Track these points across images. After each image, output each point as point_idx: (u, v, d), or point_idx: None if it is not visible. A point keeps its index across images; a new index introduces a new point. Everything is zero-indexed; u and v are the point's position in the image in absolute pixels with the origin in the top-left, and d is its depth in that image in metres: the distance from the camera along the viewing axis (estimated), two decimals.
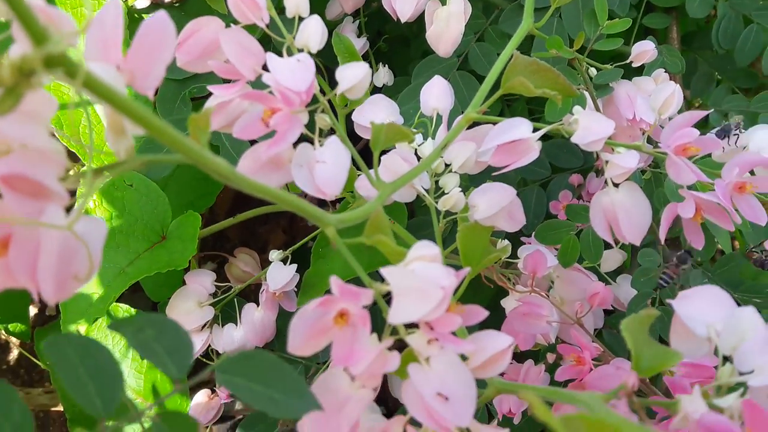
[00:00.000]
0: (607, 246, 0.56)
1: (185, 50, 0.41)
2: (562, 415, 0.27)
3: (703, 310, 0.34)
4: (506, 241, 0.52)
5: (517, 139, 0.41)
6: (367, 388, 0.34)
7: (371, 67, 0.70)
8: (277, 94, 0.38)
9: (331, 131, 0.42)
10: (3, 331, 0.75)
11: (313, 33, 0.41)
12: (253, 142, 0.40)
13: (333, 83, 0.42)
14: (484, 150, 0.43)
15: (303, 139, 0.40)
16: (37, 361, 0.73)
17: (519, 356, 0.57)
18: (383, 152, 0.46)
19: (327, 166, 0.38)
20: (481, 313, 0.35)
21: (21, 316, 0.74)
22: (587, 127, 0.41)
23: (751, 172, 0.42)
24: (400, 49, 0.78)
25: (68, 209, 0.28)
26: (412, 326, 0.34)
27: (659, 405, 0.35)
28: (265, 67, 0.39)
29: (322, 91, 0.42)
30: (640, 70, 0.56)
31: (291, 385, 0.29)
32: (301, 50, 0.42)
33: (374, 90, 0.66)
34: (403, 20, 0.56)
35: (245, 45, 0.40)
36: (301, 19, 0.43)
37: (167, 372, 0.28)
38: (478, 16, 0.63)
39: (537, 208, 0.63)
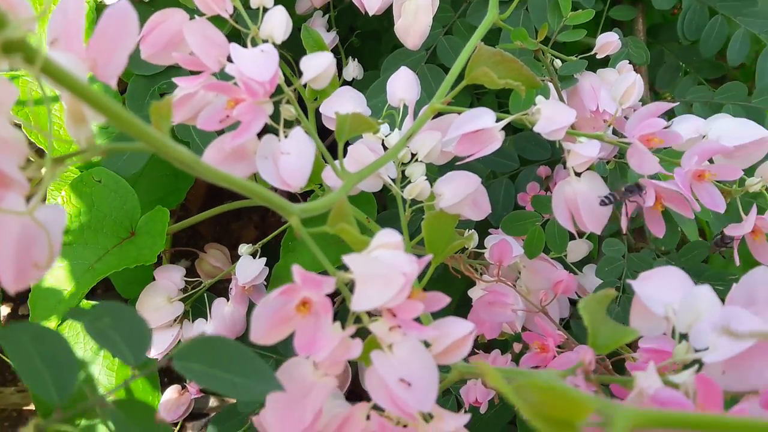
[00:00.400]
0: (574, 237, 0.56)
1: (149, 42, 0.41)
2: (515, 383, 0.27)
3: (662, 290, 0.34)
4: (472, 231, 0.52)
5: (481, 128, 0.42)
6: (330, 376, 0.34)
7: (341, 61, 0.70)
8: (241, 85, 0.38)
9: (298, 123, 0.42)
10: None
11: (277, 24, 0.42)
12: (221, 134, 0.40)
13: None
14: (449, 139, 0.43)
15: (269, 130, 0.40)
16: (6, 358, 0.73)
17: (487, 346, 0.57)
18: (349, 143, 0.46)
19: (291, 158, 0.38)
20: (443, 300, 0.35)
21: None
22: (549, 116, 0.41)
23: (711, 161, 0.43)
24: (371, 44, 0.78)
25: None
26: (376, 315, 0.34)
27: (616, 382, 0.35)
28: (230, 59, 0.39)
29: (289, 83, 0.42)
30: (606, 62, 0.56)
31: (252, 369, 0.29)
32: (266, 41, 0.42)
33: (344, 84, 0.66)
34: (371, 13, 0.56)
35: (209, 36, 0.40)
36: (265, 10, 0.43)
37: (124, 359, 0.28)
38: (446, 9, 0.63)
39: (506, 201, 0.63)
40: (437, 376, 0.33)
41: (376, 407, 0.34)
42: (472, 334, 0.35)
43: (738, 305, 0.33)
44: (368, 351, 0.33)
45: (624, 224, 0.42)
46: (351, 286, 0.33)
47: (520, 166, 0.65)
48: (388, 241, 0.34)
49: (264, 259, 0.57)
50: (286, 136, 0.40)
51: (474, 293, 0.53)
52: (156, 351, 0.59)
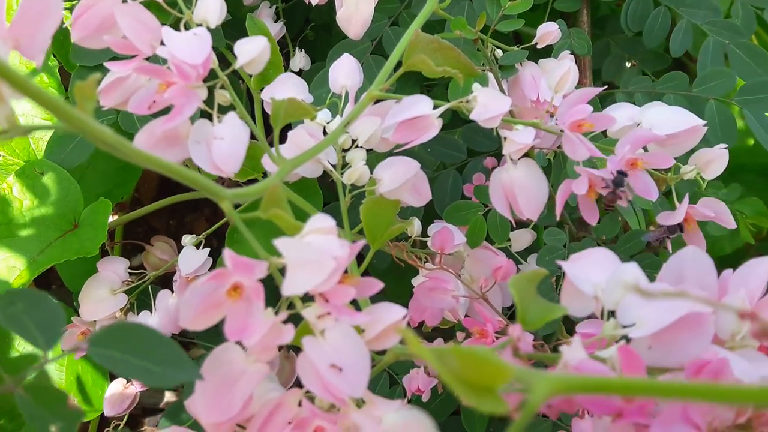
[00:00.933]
0: (522, 226, 0.57)
1: (81, 25, 0.40)
2: (435, 348, 0.28)
3: (591, 270, 0.35)
4: (413, 217, 0.52)
5: (418, 115, 0.42)
6: (261, 362, 0.34)
7: (289, 52, 0.70)
8: (173, 68, 0.38)
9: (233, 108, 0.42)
10: None
11: (211, 8, 0.41)
12: None
13: None
14: (387, 126, 0.43)
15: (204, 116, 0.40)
16: None
17: (430, 336, 0.57)
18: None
19: (224, 143, 0.38)
20: (376, 285, 0.35)
21: None
22: (485, 104, 0.42)
23: (646, 149, 0.44)
24: (324, 37, 0.78)
25: None
26: (310, 300, 0.34)
27: (545, 359, 0.36)
28: (163, 42, 0.39)
29: (239, 76, 0.41)
30: (550, 53, 0.57)
31: (169, 356, 0.29)
32: (200, 25, 0.42)
33: None
34: (314, 3, 0.56)
35: (142, 20, 0.40)
36: None
37: (36, 344, 0.28)
38: (393, 0, 0.63)
39: (453, 192, 0.63)
40: (369, 362, 0.33)
41: (308, 393, 0.34)
42: (405, 320, 0.36)
43: (668, 283, 0.34)
44: (302, 336, 0.33)
45: (558, 211, 0.42)
46: (285, 271, 0.33)
47: (468, 158, 0.65)
48: (320, 225, 0.34)
49: (207, 250, 0.56)
50: (219, 121, 0.39)
51: (417, 281, 0.53)
52: None
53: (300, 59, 0.67)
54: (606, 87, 0.52)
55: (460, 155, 0.65)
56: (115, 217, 0.74)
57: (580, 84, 0.62)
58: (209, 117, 0.40)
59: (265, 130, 0.62)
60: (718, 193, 0.66)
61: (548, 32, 0.51)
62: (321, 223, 0.34)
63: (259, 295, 0.33)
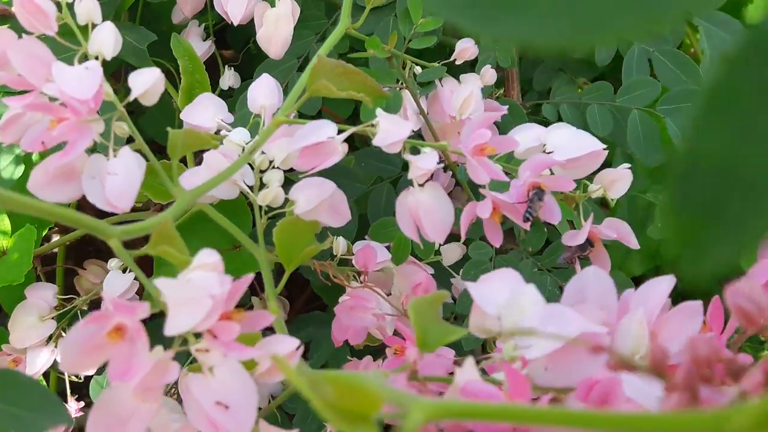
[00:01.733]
0: (454, 239, 0.57)
1: None
2: (308, 376, 0.28)
3: (497, 291, 0.35)
4: (340, 238, 0.52)
5: (321, 141, 0.42)
6: (150, 402, 0.34)
7: (218, 70, 0.70)
8: (65, 103, 0.37)
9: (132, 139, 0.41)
10: None
11: (105, 40, 0.41)
12: None
13: None
14: (291, 152, 0.43)
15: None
16: None
17: (361, 353, 0.57)
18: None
19: (118, 178, 0.38)
20: (267, 318, 0.35)
21: None
22: (386, 129, 0.41)
23: (552, 171, 0.44)
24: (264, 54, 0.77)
25: None
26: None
27: (439, 381, 0.36)
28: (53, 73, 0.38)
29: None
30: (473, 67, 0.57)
31: (40, 402, 0.29)
32: (96, 58, 0.41)
33: (221, 93, 0.65)
34: (235, 23, 0.55)
35: (36, 55, 0.39)
36: (94, 25, 0.42)
37: None
38: (319, 17, 0.63)
39: (387, 206, 0.63)
40: (256, 398, 0.33)
41: None
42: (299, 351, 0.35)
43: (571, 303, 0.34)
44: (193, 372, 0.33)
45: (463, 233, 0.42)
46: None
47: (402, 171, 0.65)
48: (206, 261, 0.34)
49: (132, 275, 0.56)
50: (115, 156, 0.39)
51: (342, 299, 0.53)
52: (32, 370, 0.57)
53: (229, 77, 0.66)
54: (504, 109, 0.52)
55: (394, 168, 0.65)
56: (57, 238, 0.73)
57: (507, 95, 0.62)
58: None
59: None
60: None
61: (465, 48, 0.51)
62: (206, 259, 0.34)
63: (141, 335, 0.32)
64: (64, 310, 0.59)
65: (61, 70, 0.38)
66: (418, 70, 0.53)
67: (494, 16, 0.15)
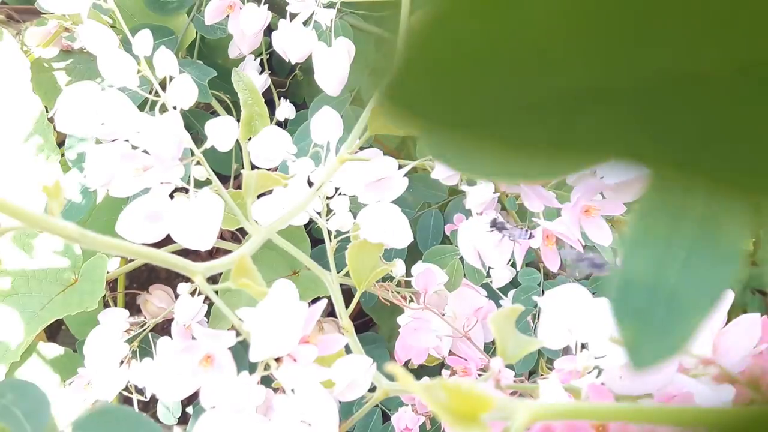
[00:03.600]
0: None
1: (65, 114, 0.43)
2: (424, 383, 0.30)
3: (565, 304, 0.38)
4: (397, 259, 0.54)
5: (383, 177, 0.45)
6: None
7: (274, 101, 0.73)
8: (150, 153, 0.41)
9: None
10: None
11: (183, 91, 0.44)
12: None
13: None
14: (356, 187, 0.46)
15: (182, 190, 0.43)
16: None
17: (418, 373, 0.60)
18: None
19: (199, 219, 0.41)
20: (340, 341, 0.38)
21: None
22: None
23: (603, 195, 0.46)
24: (312, 80, 0.81)
25: None
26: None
27: (523, 389, 0.38)
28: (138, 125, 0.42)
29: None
30: None
31: None
32: (174, 108, 0.45)
33: (278, 124, 0.69)
34: (293, 61, 0.59)
35: (121, 106, 0.43)
36: (171, 78, 0.45)
37: None
38: (369, 51, 0.66)
39: (435, 231, 0.66)
40: (336, 415, 0.36)
41: None
42: (372, 369, 0.38)
43: None
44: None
45: (519, 261, 0.45)
46: None
47: (450, 197, 0.68)
48: (282, 292, 0.37)
49: (202, 298, 0.59)
50: (195, 196, 0.42)
51: (402, 320, 0.56)
52: (106, 393, 0.61)
53: (285, 109, 0.69)
54: None
55: (441, 195, 0.67)
56: (118, 265, 0.77)
57: None
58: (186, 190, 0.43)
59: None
60: None
61: None
62: (283, 289, 0.37)
63: (229, 362, 0.35)
64: (135, 333, 0.63)
65: (145, 121, 0.41)
66: None
67: (462, 159, 0.18)
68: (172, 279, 0.77)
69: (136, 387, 0.64)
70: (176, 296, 0.66)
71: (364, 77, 0.65)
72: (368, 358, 0.38)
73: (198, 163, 0.44)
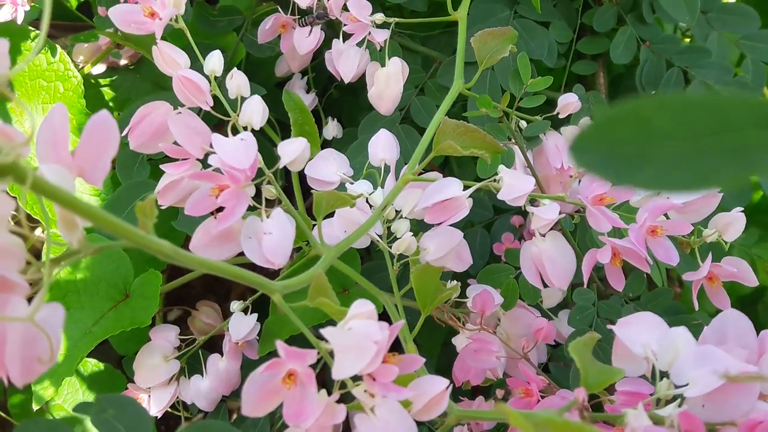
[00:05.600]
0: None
1: (137, 134, 0.44)
2: (533, 419, 0.31)
3: (640, 333, 0.38)
4: (455, 282, 0.55)
5: (449, 198, 0.45)
6: None
7: (320, 120, 0.74)
8: (224, 172, 0.41)
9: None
10: None
11: (254, 111, 0.45)
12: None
13: (285, 135, 0.45)
14: (420, 208, 0.46)
15: (251, 209, 0.43)
16: (8, 418, 0.75)
17: (470, 393, 0.60)
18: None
19: (273, 237, 0.42)
20: (417, 361, 0.38)
21: None
22: (511, 184, 0.45)
23: (667, 216, 0.46)
24: (349, 99, 0.81)
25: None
26: (359, 378, 0.37)
27: (607, 418, 0.38)
28: (212, 147, 0.42)
29: (273, 143, 0.45)
30: (569, 118, 0.60)
31: None
32: (245, 128, 0.45)
33: (324, 143, 0.69)
34: (346, 81, 0.59)
35: (192, 126, 0.44)
36: (243, 98, 0.46)
37: None
38: (417, 70, 0.67)
39: (481, 249, 0.66)
40: None
41: None
42: (448, 390, 0.39)
43: (711, 343, 0.37)
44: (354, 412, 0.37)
45: (585, 278, 0.45)
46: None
47: (495, 215, 0.68)
48: (361, 311, 0.37)
49: (255, 316, 0.60)
50: (267, 216, 0.43)
51: (458, 341, 0.56)
52: (156, 409, 0.61)
53: (333, 128, 0.70)
54: None
55: (487, 213, 0.68)
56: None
57: None
58: (256, 209, 0.43)
59: (304, 196, 0.66)
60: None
61: (569, 103, 0.54)
62: (361, 308, 0.37)
63: (311, 380, 0.36)
64: (183, 351, 0.63)
65: (220, 141, 0.42)
66: (522, 124, 0.56)
67: (628, 171, 0.20)
68: (203, 296, 0.77)
69: (183, 404, 0.65)
70: (223, 310, 0.67)
71: (413, 97, 0.66)
72: (445, 379, 0.38)
73: (268, 182, 0.44)
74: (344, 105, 0.80)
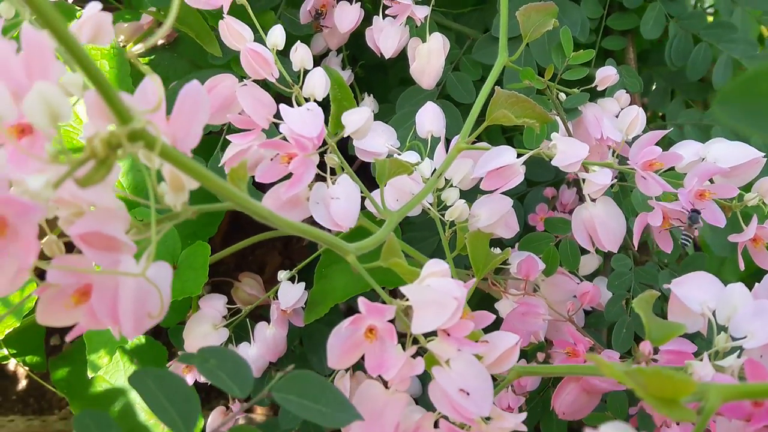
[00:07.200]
0: (584, 251, 0.62)
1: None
2: (626, 369, 0.33)
3: (696, 291, 0.41)
4: (508, 248, 0.57)
5: (504, 165, 0.47)
6: (401, 392, 0.39)
7: (356, 96, 0.75)
8: (292, 141, 0.43)
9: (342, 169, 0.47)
10: (18, 363, 0.79)
11: (318, 83, 0.47)
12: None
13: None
14: (476, 176, 0.48)
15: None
16: (51, 388, 0.77)
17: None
18: None
19: (341, 202, 0.44)
20: (489, 318, 0.41)
21: (37, 349, 0.78)
22: (564, 151, 0.47)
23: (711, 181, 0.49)
24: (377, 77, 0.83)
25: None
26: (429, 335, 0.39)
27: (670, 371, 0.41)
28: (278, 117, 0.44)
29: None
30: (603, 91, 0.62)
31: (334, 400, 0.34)
32: (308, 99, 0.47)
33: None
34: (386, 56, 0.61)
35: (258, 98, 0.45)
36: (306, 71, 0.48)
37: (231, 392, 0.33)
38: (452, 47, 0.68)
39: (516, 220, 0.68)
40: (491, 384, 0.38)
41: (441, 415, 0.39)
42: (518, 345, 0.41)
43: (764, 297, 0.40)
44: (428, 366, 0.39)
45: (635, 242, 0.48)
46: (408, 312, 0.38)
47: (528, 188, 0.70)
48: (436, 269, 0.39)
49: (303, 284, 0.61)
50: (333, 182, 0.45)
51: (501, 306, 0.58)
52: None
53: (369, 103, 0.72)
54: (671, 128, 0.57)
55: (520, 186, 0.70)
56: None
57: None
58: (322, 179, 0.45)
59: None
60: None
61: (607, 76, 0.56)
62: (436, 267, 0.39)
63: (392, 334, 0.38)
64: (230, 320, 0.65)
65: (287, 111, 0.44)
66: (562, 97, 0.58)
67: None
68: (234, 272, 0.79)
69: None
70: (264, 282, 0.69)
71: (449, 72, 0.68)
72: (515, 335, 0.40)
73: (331, 151, 0.46)
74: (373, 83, 0.82)
